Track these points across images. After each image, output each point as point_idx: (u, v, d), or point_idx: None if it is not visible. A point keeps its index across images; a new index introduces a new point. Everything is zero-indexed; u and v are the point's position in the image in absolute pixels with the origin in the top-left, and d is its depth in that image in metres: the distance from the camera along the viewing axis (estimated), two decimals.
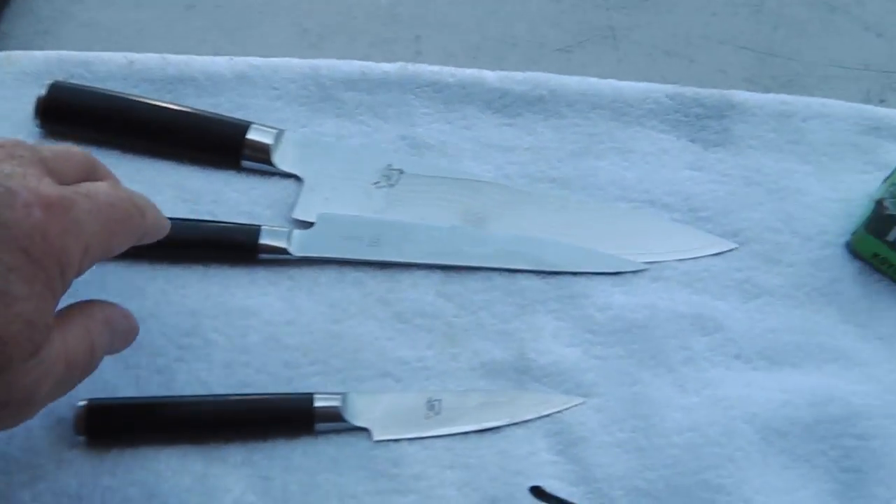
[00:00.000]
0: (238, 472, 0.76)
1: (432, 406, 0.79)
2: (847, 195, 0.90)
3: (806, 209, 0.89)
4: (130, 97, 0.90)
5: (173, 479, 0.75)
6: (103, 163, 0.71)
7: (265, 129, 0.89)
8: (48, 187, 0.58)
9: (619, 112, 0.94)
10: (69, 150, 0.66)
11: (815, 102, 0.95)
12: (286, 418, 0.77)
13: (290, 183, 0.89)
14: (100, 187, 0.63)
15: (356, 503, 0.75)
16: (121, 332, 0.69)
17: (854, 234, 0.86)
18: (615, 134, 0.93)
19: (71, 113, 0.89)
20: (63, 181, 0.61)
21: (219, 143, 0.89)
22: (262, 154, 0.88)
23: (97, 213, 0.60)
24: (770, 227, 0.88)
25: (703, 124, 0.93)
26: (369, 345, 0.81)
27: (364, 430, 0.77)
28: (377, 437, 0.77)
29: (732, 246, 0.87)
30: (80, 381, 0.65)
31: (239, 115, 0.91)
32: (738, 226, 0.88)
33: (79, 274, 0.60)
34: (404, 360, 0.81)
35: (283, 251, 0.83)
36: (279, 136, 0.89)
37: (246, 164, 0.89)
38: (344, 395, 0.78)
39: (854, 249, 0.87)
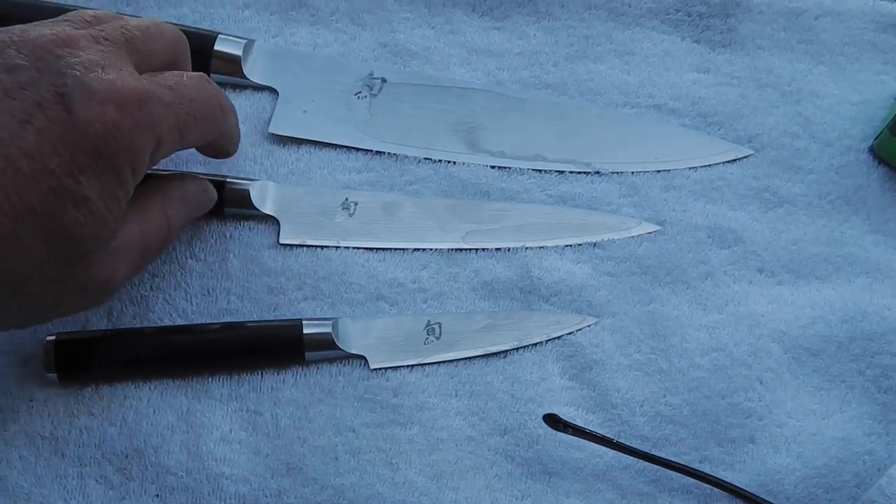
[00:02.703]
0: (225, 408, 0.71)
1: (432, 330, 0.74)
2: (867, 97, 0.85)
3: (824, 112, 0.84)
4: (86, 9, 0.82)
5: (154, 417, 0.70)
6: None
7: (234, 39, 0.82)
8: (127, 79, 0.58)
9: (616, 12, 0.88)
10: (160, 28, 0.66)
11: None
12: (274, 347, 0.72)
13: (263, 96, 0.83)
14: (187, 81, 0.64)
15: (354, 437, 0.70)
16: (196, 204, 0.71)
17: (878, 137, 0.81)
18: (613, 35, 0.87)
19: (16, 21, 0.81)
20: (149, 64, 0.63)
21: None
22: (231, 66, 0.82)
23: (176, 106, 0.61)
24: (787, 131, 0.83)
25: (708, 23, 0.87)
26: (359, 266, 0.76)
27: (359, 358, 0.72)
28: (374, 364, 0.72)
29: (748, 152, 0.82)
30: (157, 257, 0.71)
31: (204, 26, 0.85)
32: (752, 131, 0.83)
33: (152, 165, 0.62)
34: (398, 282, 0.76)
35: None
36: (249, 46, 0.83)
37: (215, 76, 0.81)
38: (335, 321, 0.72)
39: (879, 154, 0.81)
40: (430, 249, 0.77)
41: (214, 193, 0.72)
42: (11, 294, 0.57)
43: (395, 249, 0.77)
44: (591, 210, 0.79)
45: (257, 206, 0.75)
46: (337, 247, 0.76)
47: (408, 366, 0.72)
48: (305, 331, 0.71)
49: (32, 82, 0.56)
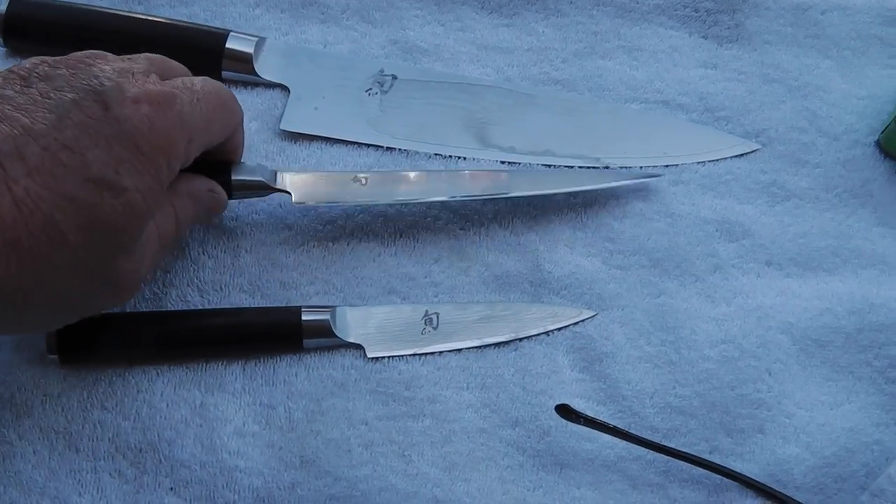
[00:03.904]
0: (238, 401, 0.71)
1: (430, 320, 0.74)
2: (873, 91, 0.85)
3: (831, 107, 0.84)
4: (99, 9, 0.84)
5: (168, 411, 0.71)
6: None
7: (245, 36, 0.83)
8: (154, 84, 0.62)
9: (624, 8, 0.88)
10: (171, 63, 0.69)
11: None
12: (272, 333, 0.73)
13: (275, 93, 0.84)
14: (196, 80, 0.66)
15: (367, 429, 0.70)
16: (205, 204, 0.71)
17: (884, 131, 0.81)
18: (621, 31, 0.88)
19: (35, 29, 0.83)
20: (166, 79, 0.65)
21: (196, 54, 0.82)
22: (243, 64, 0.83)
23: (198, 103, 0.64)
24: (794, 126, 0.83)
25: (715, 19, 0.88)
26: (371, 261, 0.77)
27: (357, 347, 0.73)
28: (371, 353, 0.73)
29: (755, 147, 0.82)
30: (167, 254, 0.74)
31: (216, 24, 0.86)
32: (759, 125, 0.83)
33: (185, 163, 0.65)
34: (410, 276, 0.76)
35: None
36: (260, 43, 0.83)
37: (227, 74, 0.83)
38: (333, 309, 0.73)
39: (885, 148, 0.82)
40: (442, 244, 0.77)
41: (223, 196, 0.72)
42: (46, 287, 0.58)
43: (407, 244, 0.77)
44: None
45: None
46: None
47: (408, 355, 0.73)
48: (304, 318, 0.72)
49: (67, 84, 0.59)
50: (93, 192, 0.57)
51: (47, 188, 0.55)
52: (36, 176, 0.55)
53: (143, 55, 0.66)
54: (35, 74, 0.59)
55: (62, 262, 0.57)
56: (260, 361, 0.72)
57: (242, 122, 0.73)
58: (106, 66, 0.61)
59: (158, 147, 0.60)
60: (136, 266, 0.63)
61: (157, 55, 0.68)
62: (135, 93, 0.60)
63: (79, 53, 0.62)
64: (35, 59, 0.60)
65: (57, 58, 0.61)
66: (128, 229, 0.60)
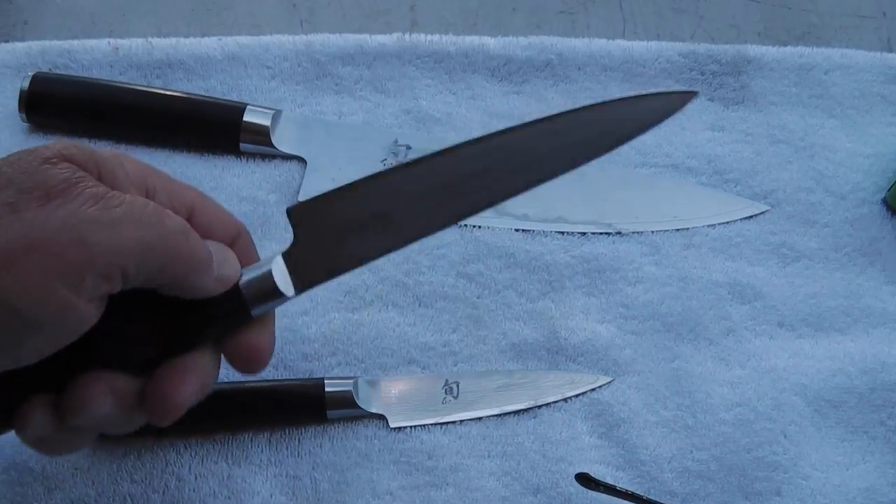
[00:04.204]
0: (265, 473, 0.72)
1: (450, 389, 0.76)
2: (878, 149, 0.87)
3: (837, 166, 0.86)
4: (118, 84, 0.85)
5: (196, 483, 0.72)
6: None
7: (262, 109, 0.85)
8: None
9: (630, 73, 0.90)
10: (125, 157, 0.59)
11: (836, 53, 0.91)
12: (297, 405, 0.74)
13: (292, 165, 0.85)
14: (147, 201, 0.55)
15: (391, 499, 0.71)
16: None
17: (891, 189, 0.83)
18: None
19: (56, 104, 0.85)
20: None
21: (215, 128, 0.84)
22: (260, 136, 0.84)
23: (137, 220, 0.53)
24: (802, 186, 0.85)
25: (721, 82, 0.89)
26: (391, 331, 0.78)
27: (379, 417, 0.75)
28: (393, 423, 0.74)
29: (764, 208, 0.84)
30: None
31: (232, 97, 0.87)
32: (767, 187, 0.85)
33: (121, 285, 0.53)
34: (429, 346, 0.77)
35: None
36: (277, 116, 0.85)
37: (245, 147, 0.85)
38: (356, 380, 0.74)
39: (892, 205, 0.83)
40: (459, 313, 0.79)
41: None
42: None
43: (425, 314, 0.78)
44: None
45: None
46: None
47: (430, 424, 0.74)
48: (327, 389, 0.73)
49: None
50: None
51: None
52: None
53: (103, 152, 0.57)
54: None
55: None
56: (285, 433, 0.73)
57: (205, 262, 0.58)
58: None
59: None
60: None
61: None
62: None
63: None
64: None
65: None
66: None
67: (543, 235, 0.82)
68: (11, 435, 0.56)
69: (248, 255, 0.63)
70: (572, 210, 0.83)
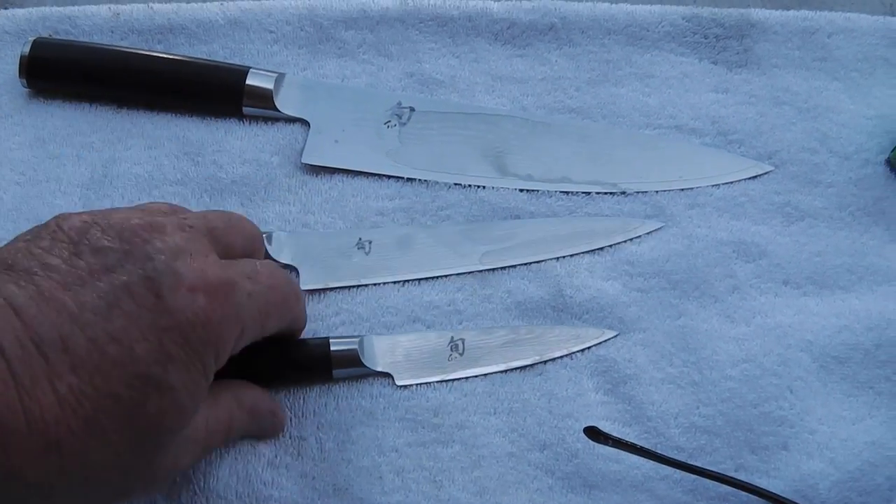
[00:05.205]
0: None
1: (455, 346, 0.75)
2: (882, 111, 0.86)
3: (841, 127, 0.86)
4: (119, 48, 0.85)
5: None
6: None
7: (265, 73, 0.85)
8: (213, 267, 0.58)
9: (634, 37, 0.90)
10: (240, 221, 0.67)
11: (839, 17, 0.91)
12: (303, 364, 0.73)
13: (295, 127, 0.85)
14: (262, 269, 0.63)
15: (397, 456, 0.71)
16: (262, 424, 0.70)
17: (894, 150, 0.83)
18: (633, 59, 0.89)
19: (57, 69, 0.85)
20: (228, 254, 0.62)
21: (218, 91, 0.84)
22: (263, 99, 0.84)
23: (257, 296, 0.60)
24: (805, 147, 0.85)
25: (724, 45, 0.89)
26: (396, 290, 0.78)
27: (385, 375, 0.74)
28: (399, 381, 0.74)
29: (768, 168, 0.84)
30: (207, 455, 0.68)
31: (235, 61, 0.87)
32: (771, 147, 0.85)
33: (232, 354, 0.60)
34: (434, 304, 0.77)
35: None
36: (280, 79, 0.85)
37: (247, 110, 0.85)
38: (361, 339, 0.74)
39: (895, 166, 0.83)
40: (464, 272, 0.79)
41: (282, 421, 0.71)
42: (79, 482, 0.53)
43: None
44: (594, 216, 0.81)
45: (274, 258, 0.77)
46: (358, 286, 0.78)
47: (436, 382, 0.74)
48: (332, 348, 0.73)
49: (119, 265, 0.54)
50: (139, 391, 0.53)
51: (92, 385, 0.51)
52: (81, 371, 0.51)
53: (204, 220, 0.62)
54: (85, 242, 0.55)
55: (100, 459, 0.53)
56: (290, 393, 0.73)
57: (303, 318, 0.71)
58: (161, 242, 0.56)
59: (209, 342, 0.56)
60: (174, 462, 0.60)
61: (221, 214, 0.65)
62: (191, 280, 0.55)
63: (134, 220, 0.57)
64: (86, 218, 0.56)
65: (111, 221, 0.57)
66: (172, 430, 0.56)
67: (548, 195, 0.82)
68: None
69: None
70: (576, 170, 0.83)
